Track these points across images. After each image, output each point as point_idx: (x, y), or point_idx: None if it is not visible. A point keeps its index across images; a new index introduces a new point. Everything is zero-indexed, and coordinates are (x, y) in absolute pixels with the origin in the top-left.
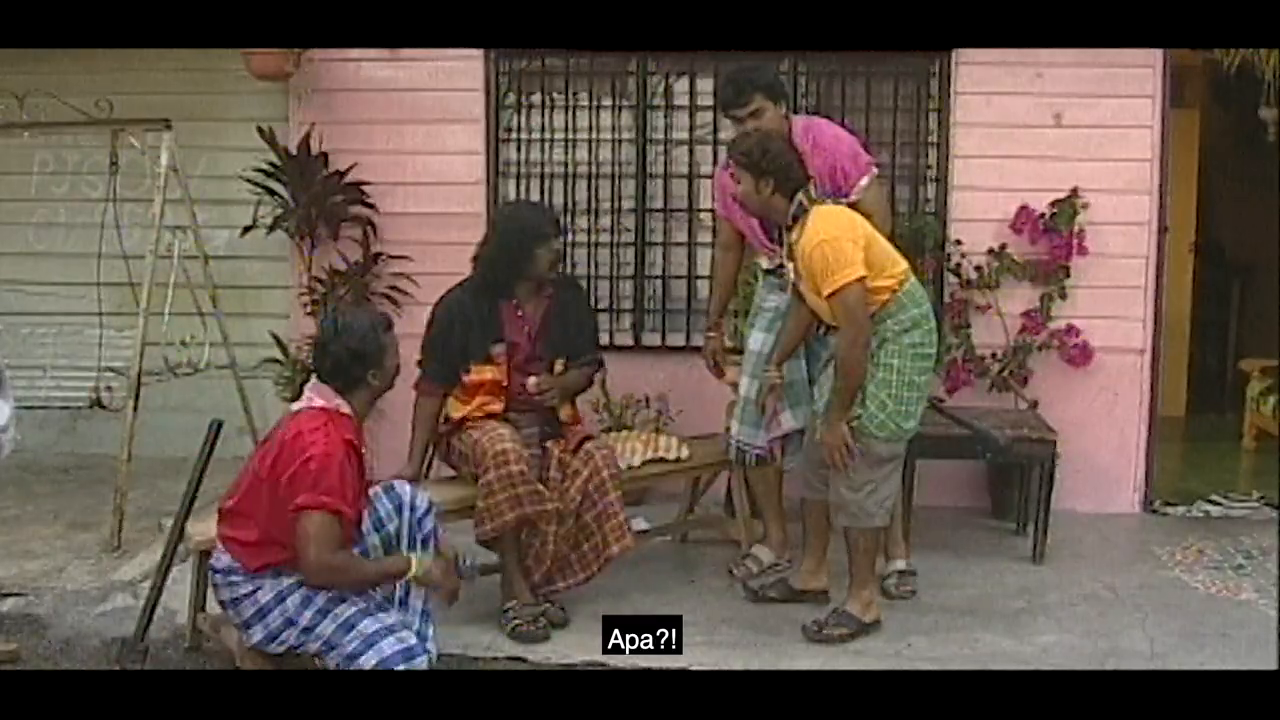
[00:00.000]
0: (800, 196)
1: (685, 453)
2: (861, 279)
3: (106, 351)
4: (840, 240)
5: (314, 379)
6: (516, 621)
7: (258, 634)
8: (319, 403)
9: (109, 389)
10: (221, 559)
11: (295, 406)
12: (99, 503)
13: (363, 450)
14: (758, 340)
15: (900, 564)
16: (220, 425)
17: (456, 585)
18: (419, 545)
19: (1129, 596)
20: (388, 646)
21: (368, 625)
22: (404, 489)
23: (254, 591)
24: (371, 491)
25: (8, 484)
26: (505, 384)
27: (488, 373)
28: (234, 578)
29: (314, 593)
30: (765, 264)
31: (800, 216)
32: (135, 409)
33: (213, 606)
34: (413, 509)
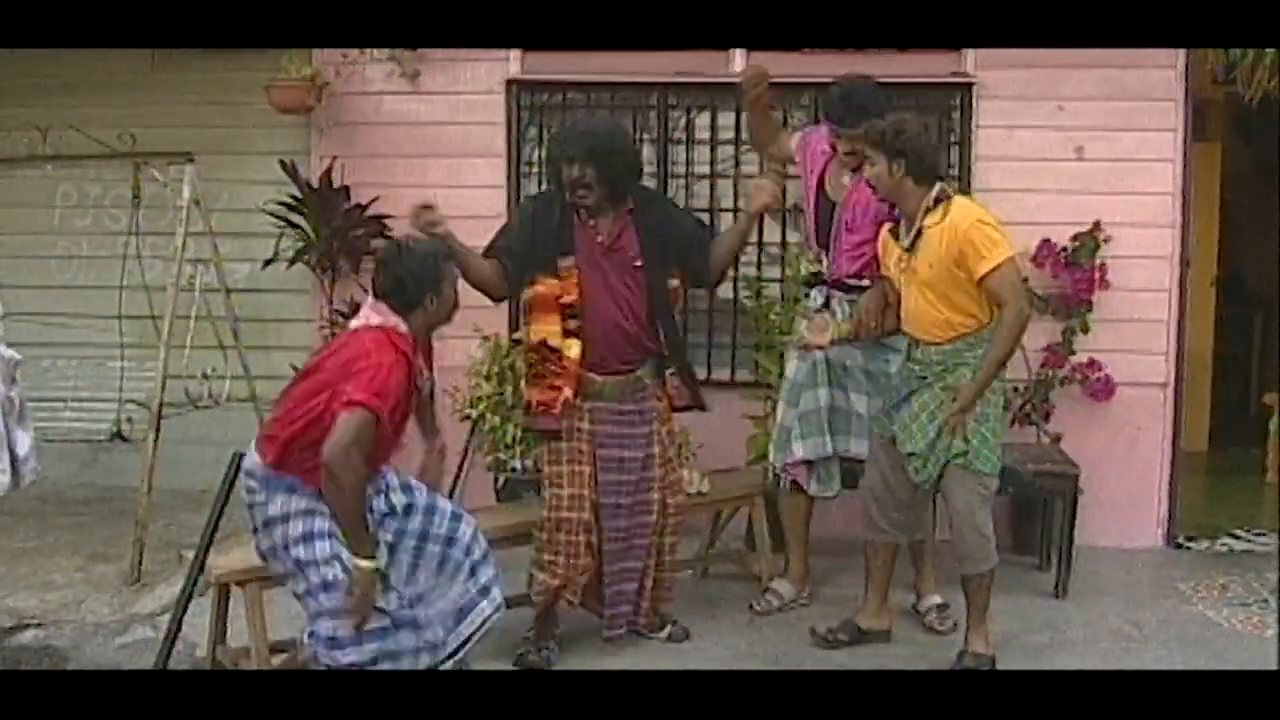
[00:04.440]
0: (941, 184)
1: (706, 487)
2: (1013, 258)
3: (128, 384)
4: (992, 223)
5: (371, 297)
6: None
7: (263, 543)
8: (376, 320)
9: (130, 421)
10: (250, 458)
11: (354, 323)
12: (119, 535)
13: (418, 367)
14: (793, 367)
15: (935, 599)
16: (242, 457)
17: (365, 612)
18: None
19: (1153, 632)
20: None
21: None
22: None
23: (265, 503)
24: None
25: (28, 515)
26: (573, 301)
27: (555, 287)
28: (251, 482)
29: (314, 531)
30: (808, 266)
31: (943, 201)
32: (156, 441)
33: (232, 639)
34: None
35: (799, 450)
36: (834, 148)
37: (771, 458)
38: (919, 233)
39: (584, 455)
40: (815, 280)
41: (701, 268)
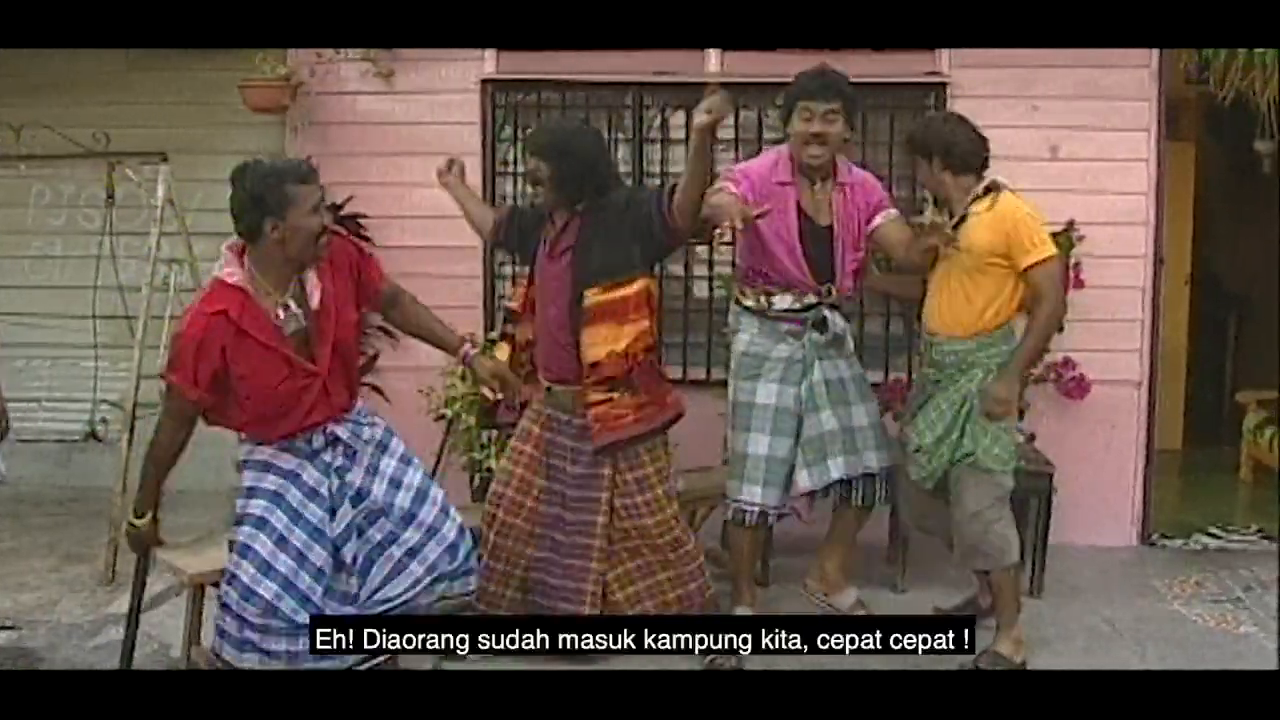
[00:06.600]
0: (992, 177)
1: (681, 485)
2: (1057, 256)
3: (102, 384)
4: (1040, 219)
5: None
6: None
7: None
8: (215, 272)
9: (104, 421)
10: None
11: None
12: (94, 535)
13: (263, 317)
14: (771, 392)
15: (851, 594)
16: None
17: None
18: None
19: (1127, 630)
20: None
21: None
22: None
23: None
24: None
25: (2, 516)
26: (522, 310)
27: (526, 289)
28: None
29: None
30: (788, 303)
31: (992, 191)
32: (130, 442)
33: (207, 639)
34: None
35: (804, 481)
36: (792, 168)
37: (756, 496)
38: (963, 218)
39: (530, 459)
40: (811, 307)
41: (663, 230)
